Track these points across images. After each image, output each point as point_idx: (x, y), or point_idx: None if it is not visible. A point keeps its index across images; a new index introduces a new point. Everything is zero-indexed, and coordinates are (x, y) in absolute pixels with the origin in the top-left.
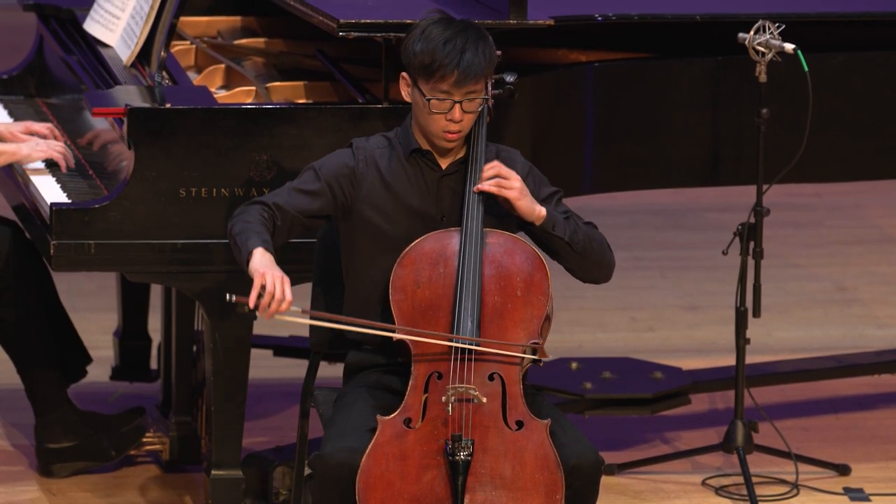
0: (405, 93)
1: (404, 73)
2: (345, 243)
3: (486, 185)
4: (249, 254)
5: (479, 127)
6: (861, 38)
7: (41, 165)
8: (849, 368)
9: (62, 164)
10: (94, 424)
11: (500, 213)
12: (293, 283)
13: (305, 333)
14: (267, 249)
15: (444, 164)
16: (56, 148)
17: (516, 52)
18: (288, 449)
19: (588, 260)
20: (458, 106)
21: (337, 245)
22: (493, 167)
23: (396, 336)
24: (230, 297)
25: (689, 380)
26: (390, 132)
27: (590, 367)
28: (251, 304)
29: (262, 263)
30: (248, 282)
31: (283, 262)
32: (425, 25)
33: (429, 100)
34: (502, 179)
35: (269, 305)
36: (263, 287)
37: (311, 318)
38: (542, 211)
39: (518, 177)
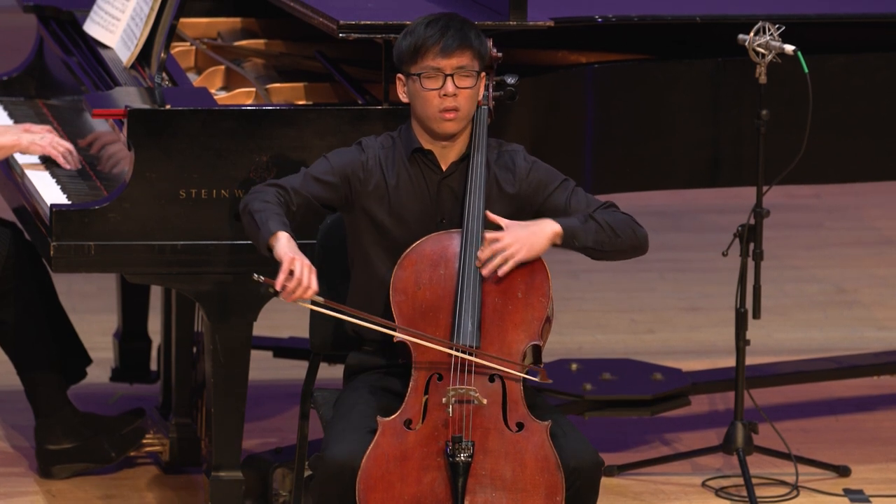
0: (402, 94)
1: (399, 74)
2: (349, 236)
3: (498, 270)
4: (272, 235)
5: (480, 128)
6: (861, 40)
7: (41, 163)
8: (848, 370)
9: (61, 161)
10: (94, 426)
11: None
12: None
13: (307, 334)
14: (291, 236)
15: (444, 164)
16: (57, 147)
17: (516, 54)
18: (288, 450)
19: (618, 251)
20: (449, 79)
21: (336, 244)
22: (484, 250)
23: (397, 337)
24: (258, 277)
25: (688, 381)
26: (394, 132)
27: (590, 369)
28: (278, 286)
29: (290, 248)
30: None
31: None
32: (410, 25)
33: (419, 75)
34: (500, 255)
35: (294, 291)
36: (291, 272)
37: (329, 309)
38: (555, 228)
39: (504, 236)
